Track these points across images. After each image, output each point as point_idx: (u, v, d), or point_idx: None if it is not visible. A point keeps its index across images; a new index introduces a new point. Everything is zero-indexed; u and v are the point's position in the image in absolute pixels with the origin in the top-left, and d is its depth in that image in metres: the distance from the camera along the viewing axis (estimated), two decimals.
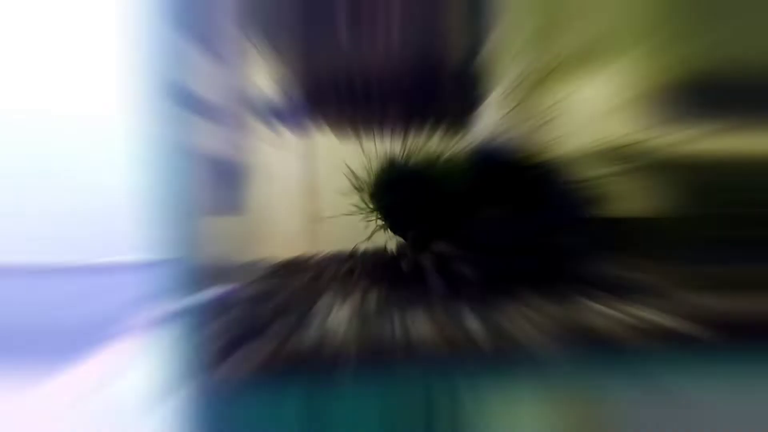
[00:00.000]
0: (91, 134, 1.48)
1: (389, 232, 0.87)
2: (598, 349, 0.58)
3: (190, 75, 0.61)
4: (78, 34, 1.49)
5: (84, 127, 1.48)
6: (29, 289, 1.22)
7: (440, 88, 0.77)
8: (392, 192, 0.84)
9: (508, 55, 0.79)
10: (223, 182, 0.63)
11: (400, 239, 0.87)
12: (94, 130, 1.48)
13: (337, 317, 0.63)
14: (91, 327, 0.90)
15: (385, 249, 0.92)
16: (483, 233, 0.71)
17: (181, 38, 0.59)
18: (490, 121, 0.79)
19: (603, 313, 0.61)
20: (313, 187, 0.95)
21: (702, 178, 0.68)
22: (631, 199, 0.78)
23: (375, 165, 0.86)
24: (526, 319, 0.62)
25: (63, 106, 1.49)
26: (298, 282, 0.82)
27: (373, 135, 0.85)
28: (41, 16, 1.47)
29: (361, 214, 0.88)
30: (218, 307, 0.65)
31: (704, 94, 0.69)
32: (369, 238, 0.88)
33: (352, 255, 0.95)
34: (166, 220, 0.57)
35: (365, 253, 0.95)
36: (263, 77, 0.85)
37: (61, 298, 1.13)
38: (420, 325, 0.61)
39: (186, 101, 0.60)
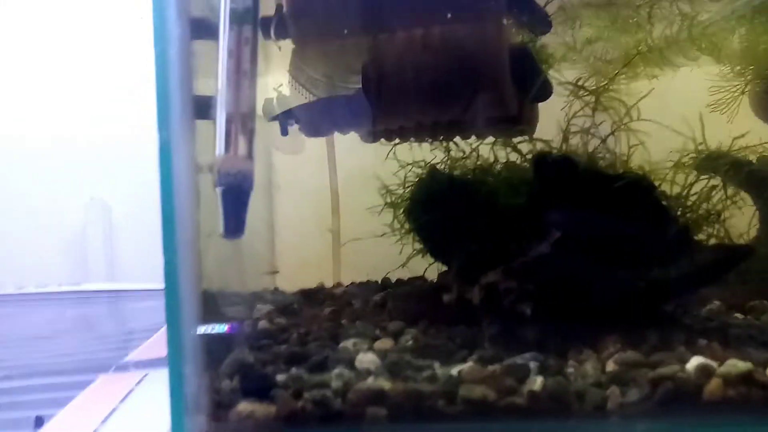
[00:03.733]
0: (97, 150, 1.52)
1: (429, 258, 0.80)
2: (696, 412, 0.49)
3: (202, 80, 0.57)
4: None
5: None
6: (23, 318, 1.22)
7: (493, 79, 0.68)
8: (433, 208, 0.75)
9: (578, 39, 0.71)
10: (235, 199, 0.57)
11: (442, 267, 0.80)
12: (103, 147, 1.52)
13: (365, 361, 0.56)
14: (85, 361, 0.89)
15: (423, 279, 0.88)
16: (547, 261, 0.61)
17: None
18: (555, 120, 0.70)
19: (704, 365, 0.50)
20: (336, 202, 0.90)
21: None
22: (737, 219, 0.67)
23: (412, 175, 0.79)
24: (602, 371, 0.53)
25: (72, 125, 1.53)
26: (319, 317, 0.75)
27: (410, 138, 0.77)
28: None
29: (395, 235, 0.81)
30: (228, 344, 0.61)
31: None
32: (404, 265, 0.82)
33: (384, 285, 0.92)
34: (175, 242, 0.52)
35: (399, 284, 0.91)
36: (280, 76, 0.81)
37: (56, 328, 1.10)
38: (467, 374, 0.53)
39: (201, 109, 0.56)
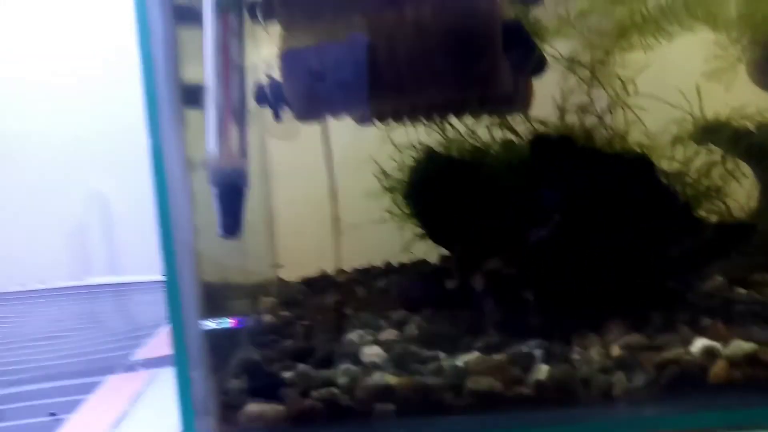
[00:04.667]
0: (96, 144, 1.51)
1: (429, 243, 0.78)
2: (702, 394, 0.49)
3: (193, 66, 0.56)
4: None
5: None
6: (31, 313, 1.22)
7: (486, 55, 0.66)
8: (432, 192, 0.74)
9: (573, 10, 0.69)
10: (231, 197, 0.56)
11: (444, 251, 0.79)
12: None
13: (371, 355, 0.57)
14: (94, 359, 0.88)
15: (425, 262, 0.87)
16: (551, 243, 0.60)
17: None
18: (553, 96, 0.68)
19: (709, 348, 0.51)
20: (333, 187, 0.89)
21: None
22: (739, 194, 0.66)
23: (409, 158, 0.77)
24: (609, 356, 0.52)
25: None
26: (323, 308, 0.76)
27: (405, 119, 0.75)
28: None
29: (394, 220, 0.79)
30: (233, 341, 0.61)
31: None
32: (405, 249, 0.80)
33: (386, 270, 0.91)
34: (174, 234, 0.53)
35: (402, 266, 0.90)
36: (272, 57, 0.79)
37: (61, 327, 1.10)
38: (473, 365, 0.53)
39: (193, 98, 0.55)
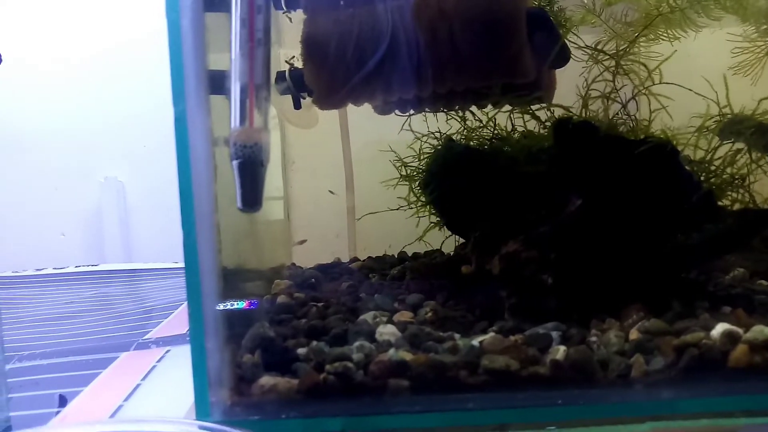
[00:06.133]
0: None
1: (446, 231, 0.79)
2: (722, 379, 0.49)
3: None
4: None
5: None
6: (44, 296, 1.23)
7: (510, 44, 0.66)
8: (449, 179, 0.74)
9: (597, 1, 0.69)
10: (252, 171, 0.57)
11: (460, 239, 0.79)
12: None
13: (385, 333, 0.56)
14: (107, 339, 0.89)
15: (440, 252, 0.87)
16: (570, 230, 0.60)
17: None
18: (574, 86, 0.68)
19: (729, 331, 0.50)
20: (350, 175, 0.89)
21: None
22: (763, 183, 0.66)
23: (427, 146, 0.78)
24: (626, 340, 0.52)
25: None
26: (337, 291, 0.75)
27: (424, 109, 0.76)
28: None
29: (411, 208, 0.80)
30: (248, 319, 0.60)
31: None
32: (421, 238, 0.80)
33: (401, 259, 0.92)
34: (194, 216, 0.53)
35: (416, 257, 0.91)
36: (292, 49, 0.79)
37: (76, 308, 1.11)
38: (488, 344, 0.52)
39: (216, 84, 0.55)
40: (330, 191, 0.81)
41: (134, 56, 1.48)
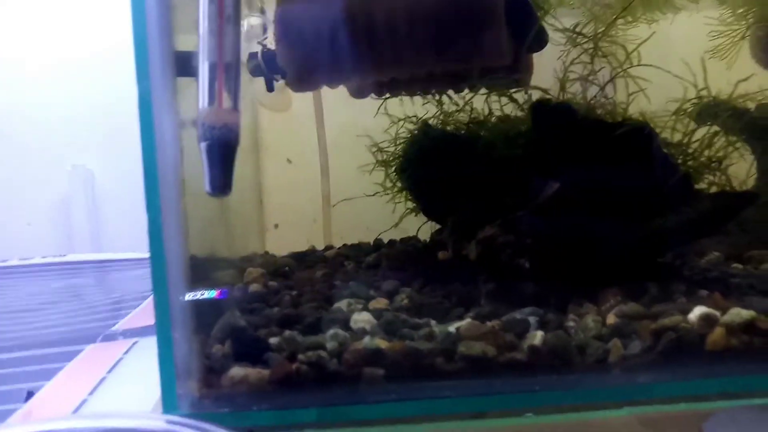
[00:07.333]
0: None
1: (422, 218, 0.79)
2: (699, 362, 0.49)
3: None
4: None
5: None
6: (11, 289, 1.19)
7: (488, 26, 0.65)
8: (426, 165, 0.73)
9: None
10: (221, 153, 0.55)
11: (437, 225, 0.78)
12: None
13: (360, 321, 0.55)
14: (73, 332, 0.87)
15: (416, 238, 0.87)
16: (547, 214, 0.59)
17: None
18: (552, 66, 0.67)
19: (707, 314, 0.50)
20: (324, 160, 0.88)
21: None
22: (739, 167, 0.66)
23: (403, 130, 0.76)
24: (603, 324, 0.52)
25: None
26: (311, 279, 0.74)
27: (401, 92, 0.74)
28: None
29: (387, 194, 0.79)
30: (217, 309, 0.59)
31: None
32: (397, 224, 0.80)
33: (376, 246, 0.90)
34: (157, 203, 0.51)
35: (392, 244, 0.90)
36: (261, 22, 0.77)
37: (41, 300, 1.08)
38: (465, 330, 0.52)
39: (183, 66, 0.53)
40: (287, 160, 0.79)
41: (104, 40, 1.44)
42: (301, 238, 0.93)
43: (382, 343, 0.50)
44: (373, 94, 0.76)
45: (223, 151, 0.54)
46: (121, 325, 0.86)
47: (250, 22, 0.79)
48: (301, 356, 0.50)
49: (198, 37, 0.55)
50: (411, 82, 0.73)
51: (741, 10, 0.69)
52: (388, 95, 0.76)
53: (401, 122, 0.78)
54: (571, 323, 0.52)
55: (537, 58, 0.72)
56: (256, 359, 0.51)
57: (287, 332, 0.54)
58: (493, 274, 0.59)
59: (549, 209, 0.58)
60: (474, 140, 0.71)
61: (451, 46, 0.67)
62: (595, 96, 0.65)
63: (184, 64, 0.55)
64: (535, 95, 0.68)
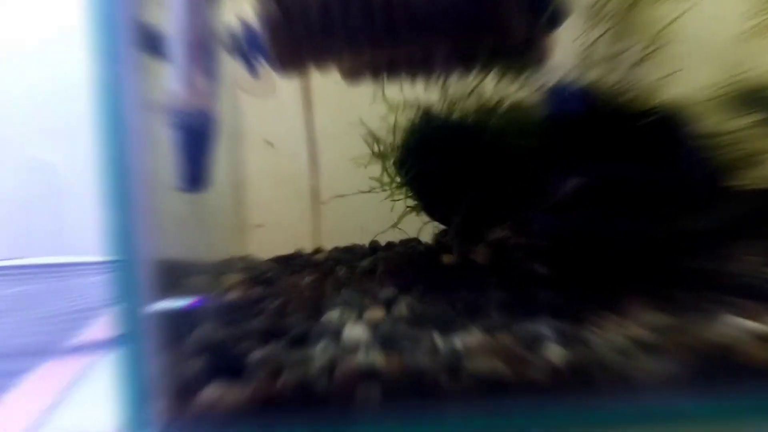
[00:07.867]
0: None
1: (424, 216, 0.79)
2: (733, 379, 0.49)
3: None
4: None
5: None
6: None
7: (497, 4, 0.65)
8: (428, 157, 0.73)
9: None
10: (194, 143, 0.55)
11: (440, 225, 0.79)
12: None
13: (354, 334, 0.56)
14: (27, 344, 0.87)
15: (417, 240, 0.87)
16: (562, 214, 0.59)
17: None
18: (569, 51, 0.68)
19: (740, 327, 0.51)
20: (314, 152, 0.88)
21: None
22: None
23: (403, 119, 0.76)
24: (626, 336, 0.52)
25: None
26: (298, 286, 0.74)
27: (399, 76, 0.74)
28: None
29: (384, 190, 0.79)
30: (191, 319, 0.61)
31: None
32: (396, 224, 0.80)
33: (372, 249, 0.91)
34: (122, 201, 0.51)
35: (390, 246, 0.91)
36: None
37: None
38: (471, 343, 0.52)
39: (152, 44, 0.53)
40: (267, 142, 0.80)
41: (63, 18, 1.45)
42: (287, 239, 0.93)
43: (378, 359, 0.51)
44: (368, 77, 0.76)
45: (196, 141, 0.54)
46: (83, 337, 0.86)
47: None
48: (285, 373, 0.51)
49: (170, 11, 0.55)
50: (411, 63, 0.73)
51: None
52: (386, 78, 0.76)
53: (401, 109, 0.77)
54: (591, 336, 0.52)
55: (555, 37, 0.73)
56: (236, 376, 0.52)
57: (270, 346, 0.55)
58: (504, 281, 0.59)
59: (567, 208, 0.58)
60: (482, 129, 0.72)
61: (455, 22, 0.67)
62: (618, 81, 0.65)
63: (152, 42, 0.54)
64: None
